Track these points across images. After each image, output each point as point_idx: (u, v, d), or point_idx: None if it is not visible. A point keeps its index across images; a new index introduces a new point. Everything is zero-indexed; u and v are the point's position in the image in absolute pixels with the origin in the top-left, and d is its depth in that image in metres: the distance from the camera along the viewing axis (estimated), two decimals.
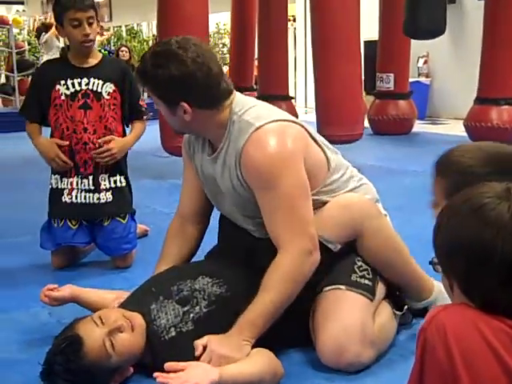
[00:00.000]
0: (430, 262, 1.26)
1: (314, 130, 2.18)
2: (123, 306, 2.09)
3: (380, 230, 2.14)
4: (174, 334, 1.98)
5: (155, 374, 1.76)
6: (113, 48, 14.10)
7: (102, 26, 3.12)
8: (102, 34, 11.99)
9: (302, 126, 2.11)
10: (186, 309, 2.02)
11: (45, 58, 10.98)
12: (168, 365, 1.80)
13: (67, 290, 2.29)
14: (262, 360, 1.90)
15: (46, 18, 16.94)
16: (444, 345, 1.10)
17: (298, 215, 1.98)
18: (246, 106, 2.07)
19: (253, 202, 2.06)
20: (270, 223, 2.02)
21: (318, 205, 2.09)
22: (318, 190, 2.11)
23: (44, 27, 12.33)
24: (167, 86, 1.98)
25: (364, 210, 2.12)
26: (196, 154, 2.23)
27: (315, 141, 2.14)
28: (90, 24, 2.89)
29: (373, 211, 2.15)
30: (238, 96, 2.11)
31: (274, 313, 1.95)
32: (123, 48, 11.68)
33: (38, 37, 12.35)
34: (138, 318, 1.97)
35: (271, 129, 2.01)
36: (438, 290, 2.24)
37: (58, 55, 10.04)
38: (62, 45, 11.66)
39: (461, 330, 1.11)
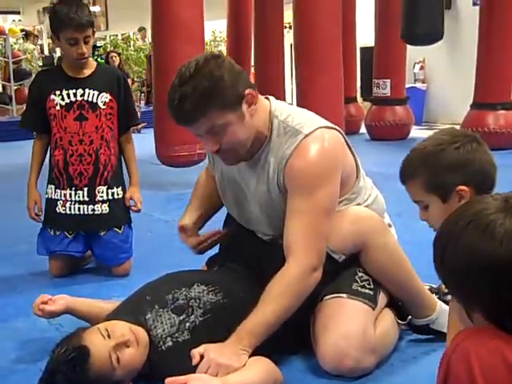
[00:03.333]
0: (436, 293, 1.22)
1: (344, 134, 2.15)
2: (117, 314, 2.07)
3: (385, 247, 2.12)
4: (170, 343, 1.96)
5: None
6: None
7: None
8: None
9: (339, 132, 2.11)
10: (181, 318, 2.00)
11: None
12: (168, 380, 1.76)
13: (61, 303, 2.23)
14: (262, 368, 1.88)
15: (34, 28, 16.94)
16: (469, 375, 1.07)
17: (319, 229, 1.97)
18: (287, 111, 2.07)
19: (284, 208, 2.03)
20: (289, 227, 1.99)
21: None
22: (347, 196, 2.11)
23: (25, 35, 12.36)
24: (225, 88, 1.89)
25: (371, 227, 2.10)
26: (218, 161, 2.20)
27: (349, 146, 2.14)
28: (87, 42, 2.86)
29: (380, 228, 2.13)
30: (273, 99, 2.10)
31: (275, 324, 1.92)
32: (113, 54, 11.65)
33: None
34: (142, 333, 1.95)
35: (319, 137, 2.00)
36: (440, 307, 2.18)
37: None
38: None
39: (487, 361, 1.07)
